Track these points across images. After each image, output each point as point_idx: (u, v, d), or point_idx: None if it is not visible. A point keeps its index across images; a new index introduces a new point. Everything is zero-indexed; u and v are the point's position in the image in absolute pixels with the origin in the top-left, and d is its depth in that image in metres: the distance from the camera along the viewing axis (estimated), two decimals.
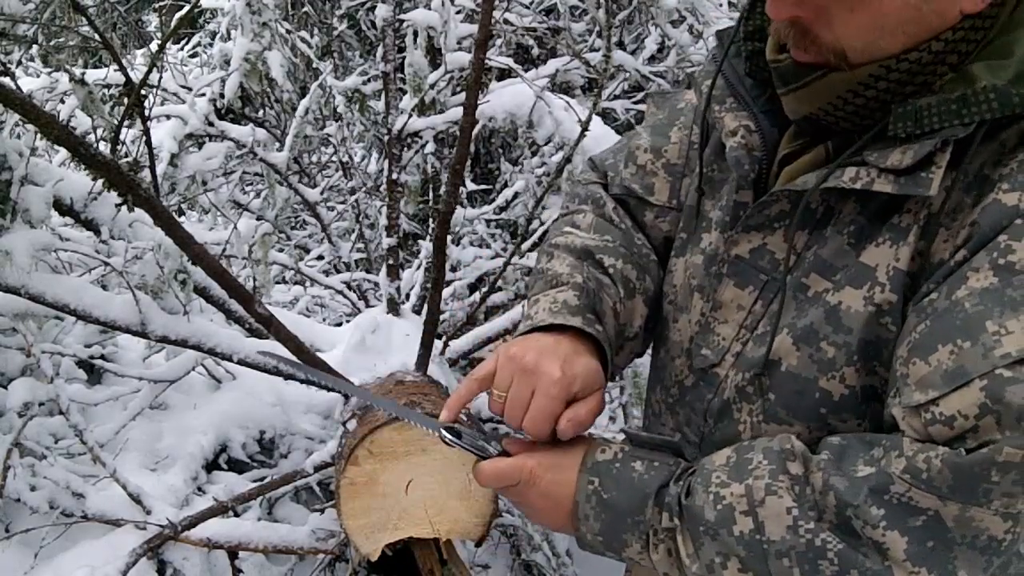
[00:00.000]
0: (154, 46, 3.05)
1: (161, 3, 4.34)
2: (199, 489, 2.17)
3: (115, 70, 2.34)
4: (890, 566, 0.72)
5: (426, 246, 2.91)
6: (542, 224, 3.07)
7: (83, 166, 1.77)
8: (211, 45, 3.80)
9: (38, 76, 3.31)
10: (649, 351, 1.11)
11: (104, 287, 2.19)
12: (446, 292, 2.79)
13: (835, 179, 0.79)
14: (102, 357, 2.47)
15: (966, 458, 0.69)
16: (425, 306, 2.18)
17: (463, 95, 2.42)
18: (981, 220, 0.72)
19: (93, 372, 2.53)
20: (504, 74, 2.88)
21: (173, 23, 2.84)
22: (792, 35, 0.80)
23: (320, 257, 3.74)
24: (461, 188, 2.72)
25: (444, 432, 0.97)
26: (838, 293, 0.81)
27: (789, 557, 0.75)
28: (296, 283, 3.68)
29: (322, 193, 3.61)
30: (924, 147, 0.74)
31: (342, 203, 3.78)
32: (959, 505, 0.70)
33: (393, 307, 2.57)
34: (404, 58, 2.75)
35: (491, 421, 2.35)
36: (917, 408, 0.72)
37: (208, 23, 4.47)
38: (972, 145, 0.74)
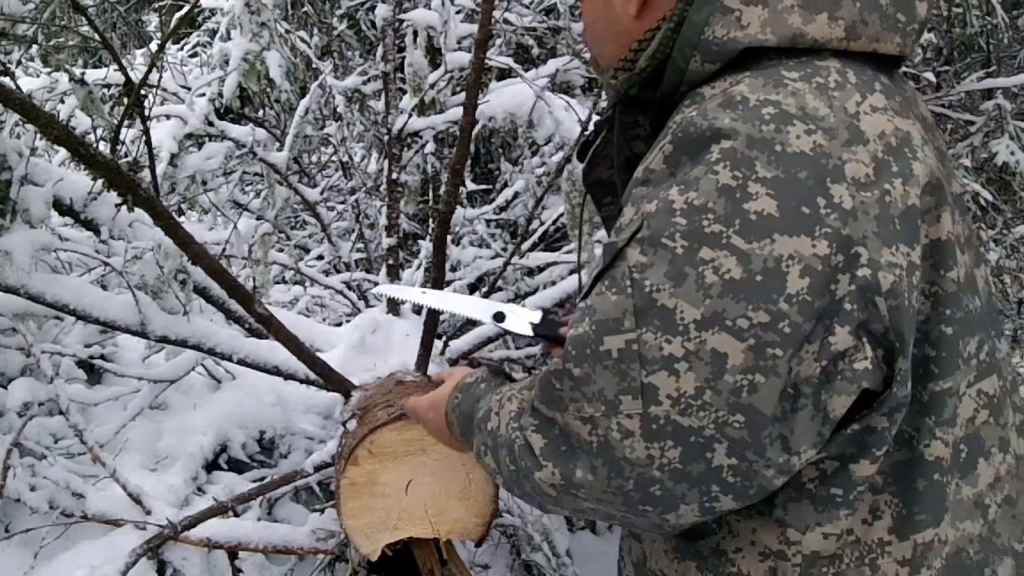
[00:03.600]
0: (154, 46, 3.05)
1: (161, 3, 4.34)
2: (199, 489, 2.17)
3: (115, 70, 2.34)
4: (537, 460, 0.87)
5: (426, 246, 2.91)
6: (542, 224, 3.07)
7: (83, 166, 1.77)
8: (211, 45, 3.80)
9: (38, 76, 3.31)
10: None
11: (104, 287, 2.18)
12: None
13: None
14: (102, 357, 2.47)
15: (541, 373, 0.88)
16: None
17: (463, 95, 2.42)
18: (628, 191, 0.90)
19: (93, 372, 2.53)
20: (504, 74, 2.88)
21: (173, 23, 2.84)
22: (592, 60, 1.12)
23: (320, 257, 3.74)
24: (461, 188, 2.72)
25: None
26: None
27: (504, 448, 0.94)
28: (296, 283, 3.68)
29: (322, 193, 3.61)
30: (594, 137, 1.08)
31: (342, 203, 3.78)
32: (558, 412, 0.85)
33: (393, 307, 2.57)
34: (404, 58, 2.75)
35: None
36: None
37: (208, 22, 4.46)
38: (615, 131, 1.02)
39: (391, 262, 2.67)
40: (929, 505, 0.87)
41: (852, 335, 0.79)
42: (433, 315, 2.13)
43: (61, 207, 2.11)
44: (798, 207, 0.78)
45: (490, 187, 3.69)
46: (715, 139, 0.81)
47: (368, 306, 3.13)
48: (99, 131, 2.48)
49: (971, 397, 0.89)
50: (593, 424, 0.81)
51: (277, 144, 3.36)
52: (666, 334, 0.78)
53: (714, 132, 0.81)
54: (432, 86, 2.71)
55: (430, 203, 3.43)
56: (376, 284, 3.17)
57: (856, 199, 0.80)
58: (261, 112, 3.67)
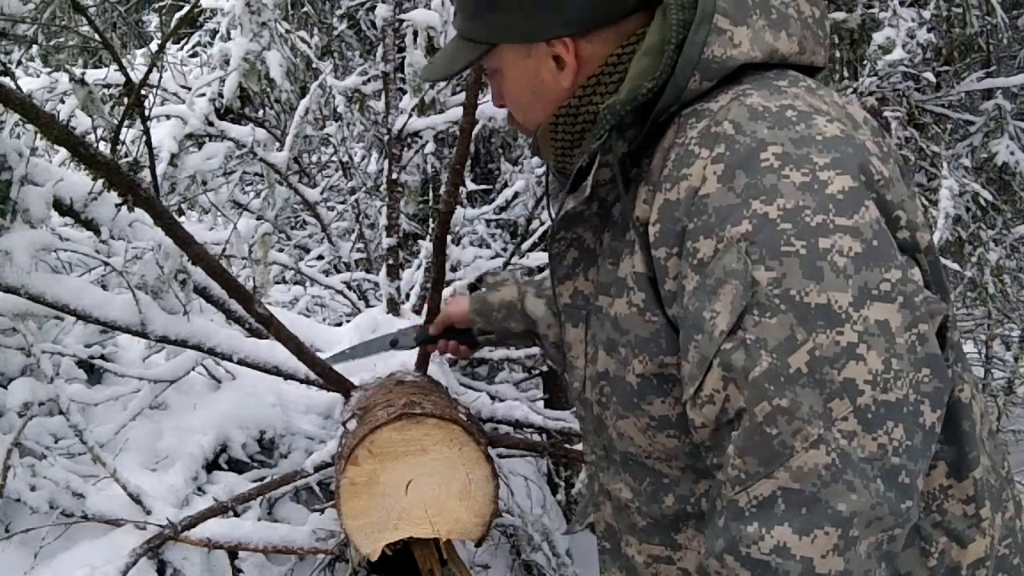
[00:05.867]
0: (154, 46, 3.05)
1: (161, 3, 4.34)
2: (199, 489, 2.17)
3: (115, 70, 2.34)
4: (798, 555, 0.80)
5: (426, 246, 2.91)
6: (542, 224, 3.07)
7: (83, 166, 1.77)
8: (211, 45, 3.80)
9: (38, 76, 3.31)
10: None
11: (104, 287, 2.18)
12: (446, 292, 2.79)
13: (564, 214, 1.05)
14: (102, 357, 2.46)
15: (742, 436, 0.83)
16: (425, 306, 2.18)
17: (463, 95, 2.42)
18: (663, 220, 0.91)
19: (93, 372, 2.53)
20: None
21: (173, 23, 2.84)
22: (509, 118, 1.14)
23: (320, 257, 3.74)
24: (461, 188, 2.72)
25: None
26: (614, 306, 0.99)
27: None
28: (296, 283, 3.68)
29: (322, 193, 3.61)
30: (575, 166, 1.02)
31: (342, 203, 3.78)
32: (781, 468, 0.81)
33: (393, 307, 2.58)
34: (404, 58, 2.75)
35: (492, 420, 2.35)
36: (692, 399, 0.88)
37: (208, 22, 4.46)
38: (612, 152, 0.96)
39: (391, 262, 2.67)
40: (974, 443, 0.94)
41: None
42: (433, 316, 2.12)
43: (61, 207, 2.11)
44: (859, 175, 0.86)
45: (490, 187, 3.69)
46: (762, 147, 0.86)
47: (368, 306, 3.13)
48: (99, 131, 2.48)
49: (960, 346, 0.98)
50: (825, 443, 0.80)
51: (277, 144, 3.35)
52: (835, 327, 0.81)
53: (758, 142, 0.86)
54: (432, 86, 2.71)
55: (430, 203, 3.43)
56: (376, 284, 3.18)
57: (886, 170, 0.89)
58: (261, 112, 3.67)
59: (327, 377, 2.06)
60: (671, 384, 0.95)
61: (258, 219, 3.14)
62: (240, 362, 2.07)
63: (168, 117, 2.93)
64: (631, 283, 0.96)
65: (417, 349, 2.14)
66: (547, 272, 1.37)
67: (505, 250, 3.23)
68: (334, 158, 3.84)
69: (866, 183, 0.86)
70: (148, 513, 1.95)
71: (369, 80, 3.41)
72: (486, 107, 2.52)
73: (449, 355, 1.71)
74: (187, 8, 2.74)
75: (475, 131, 2.41)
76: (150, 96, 2.76)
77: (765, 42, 0.94)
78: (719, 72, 0.93)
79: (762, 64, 0.95)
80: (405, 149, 2.88)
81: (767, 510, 0.81)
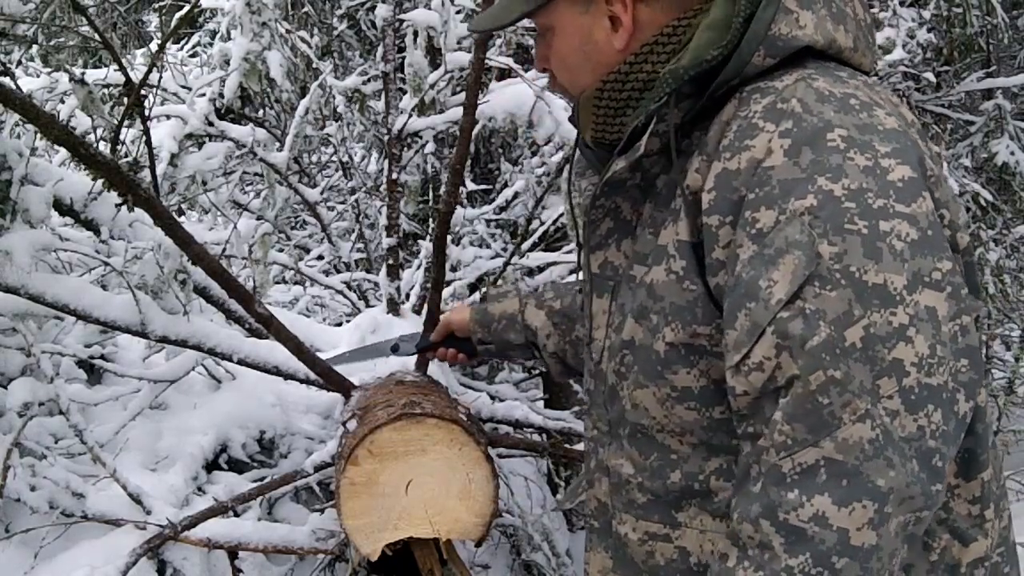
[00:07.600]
0: (154, 46, 3.05)
1: (161, 3, 4.34)
2: (199, 489, 2.17)
3: (115, 70, 2.34)
4: (835, 525, 0.81)
5: (426, 246, 2.90)
6: (542, 224, 3.07)
7: (83, 166, 1.77)
8: (211, 45, 3.80)
9: (38, 76, 3.31)
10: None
11: (104, 287, 2.18)
12: (446, 292, 2.80)
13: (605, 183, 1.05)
14: (102, 357, 2.46)
15: (792, 403, 0.84)
16: (425, 306, 2.18)
17: (463, 95, 2.42)
18: (719, 188, 0.91)
19: (93, 372, 2.53)
20: (504, 74, 2.88)
21: (173, 23, 2.84)
22: (551, 81, 1.13)
23: (320, 257, 3.74)
24: (461, 188, 2.72)
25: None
26: (650, 273, 1.00)
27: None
28: (296, 283, 3.68)
29: (322, 193, 3.61)
30: (629, 127, 1.01)
31: (342, 203, 3.78)
32: (828, 438, 0.82)
33: (393, 307, 2.58)
34: (404, 58, 2.75)
35: (492, 420, 2.35)
36: (737, 366, 0.88)
37: (208, 22, 4.46)
38: (669, 118, 0.96)
39: (391, 262, 2.67)
40: (986, 445, 0.96)
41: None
42: (432, 316, 2.12)
43: (61, 207, 2.11)
44: (917, 167, 0.89)
45: (490, 187, 3.69)
46: (829, 128, 0.88)
47: (368, 306, 3.13)
48: (99, 131, 2.48)
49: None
50: (871, 417, 0.82)
51: (277, 144, 3.35)
52: (888, 307, 0.83)
53: (826, 123, 0.88)
54: (432, 86, 2.71)
55: (430, 203, 3.43)
56: (376, 284, 3.18)
57: (936, 168, 0.93)
58: (261, 112, 3.67)
59: (327, 377, 2.06)
60: (698, 355, 0.96)
61: (258, 219, 3.14)
62: (240, 362, 2.07)
63: (168, 117, 2.93)
64: (672, 250, 0.97)
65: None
66: (548, 282, 1.39)
67: (505, 250, 3.23)
68: (334, 158, 3.84)
69: (922, 176, 0.89)
70: (148, 513, 1.95)
71: (369, 80, 3.41)
72: (486, 107, 2.52)
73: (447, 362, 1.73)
74: (187, 8, 2.74)
75: (475, 131, 2.41)
76: (150, 96, 2.76)
77: (827, 30, 0.96)
78: (783, 50, 0.95)
79: (821, 54, 0.97)
80: (405, 149, 2.88)
81: (809, 478, 0.82)
